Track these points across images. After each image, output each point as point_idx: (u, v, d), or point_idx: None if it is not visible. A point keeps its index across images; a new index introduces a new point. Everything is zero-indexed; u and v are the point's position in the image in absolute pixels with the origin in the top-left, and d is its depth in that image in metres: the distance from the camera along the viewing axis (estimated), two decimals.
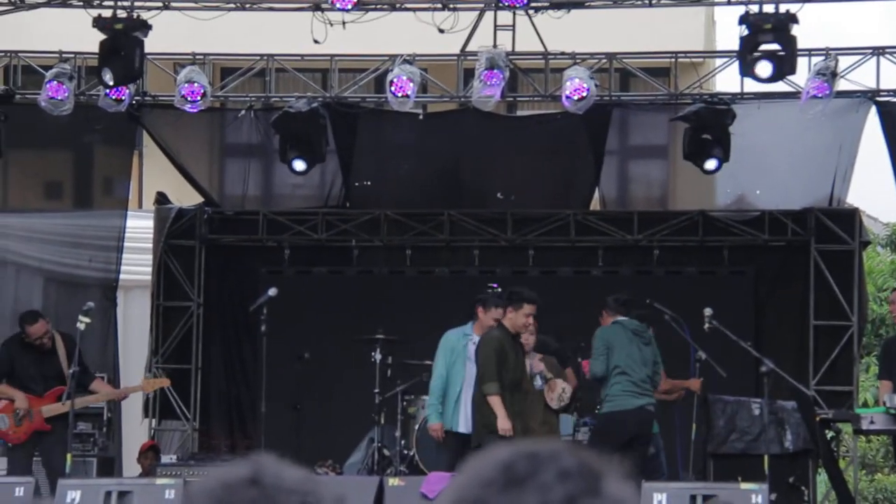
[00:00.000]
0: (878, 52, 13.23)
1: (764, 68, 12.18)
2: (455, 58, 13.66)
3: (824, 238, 14.12)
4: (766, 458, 11.27)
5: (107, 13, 12.65)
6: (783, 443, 12.05)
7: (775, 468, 11.43)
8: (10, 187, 15.34)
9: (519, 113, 16.66)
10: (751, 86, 13.13)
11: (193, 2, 13.03)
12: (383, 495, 10.63)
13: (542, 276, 14.46)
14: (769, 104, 13.70)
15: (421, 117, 14.13)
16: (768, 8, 12.26)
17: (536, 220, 14.60)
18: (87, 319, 11.45)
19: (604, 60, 13.62)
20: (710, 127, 13.16)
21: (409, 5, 12.94)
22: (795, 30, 12.21)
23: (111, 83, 12.63)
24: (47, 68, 13.29)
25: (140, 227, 15.04)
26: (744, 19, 12.29)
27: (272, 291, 12.11)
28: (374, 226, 14.73)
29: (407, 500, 10.54)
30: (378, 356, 12.41)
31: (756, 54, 12.22)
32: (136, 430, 14.43)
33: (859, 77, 13.27)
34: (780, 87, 12.88)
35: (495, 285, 12.33)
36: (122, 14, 12.63)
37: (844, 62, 13.04)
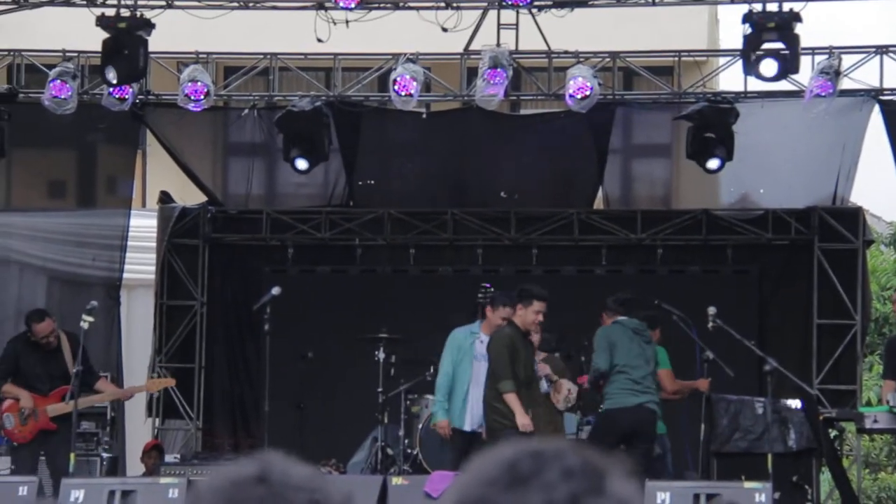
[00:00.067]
0: (882, 50, 13.22)
1: (769, 67, 12.18)
2: (458, 56, 13.65)
3: (828, 237, 14.11)
4: (769, 456, 11.26)
5: (110, 12, 12.66)
6: (787, 442, 12.05)
7: (779, 467, 11.42)
8: (14, 186, 15.35)
9: (522, 112, 16.65)
10: (754, 85, 13.13)
11: (197, 0, 13.03)
12: (387, 494, 10.63)
13: (545, 275, 14.45)
14: (772, 103, 13.69)
15: (424, 116, 14.13)
16: (772, 6, 12.25)
17: (540, 219, 14.60)
18: (90, 318, 11.45)
19: (607, 59, 13.62)
20: (713, 126, 13.16)
21: (412, 4, 12.94)
22: (798, 28, 12.21)
23: (114, 81, 12.63)
24: (51, 67, 13.30)
25: (143, 226, 15.05)
26: (747, 18, 12.28)
27: (276, 290, 12.11)
28: (377, 225, 14.73)
29: (410, 500, 10.55)
30: (381, 355, 12.41)
31: (759, 53, 12.21)
32: (139, 429, 14.44)
33: (863, 76, 13.27)
34: (783, 85, 12.87)
35: (488, 285, 12.34)
36: (125, 13, 12.63)
37: (848, 61, 13.03)
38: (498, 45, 13.18)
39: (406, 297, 14.44)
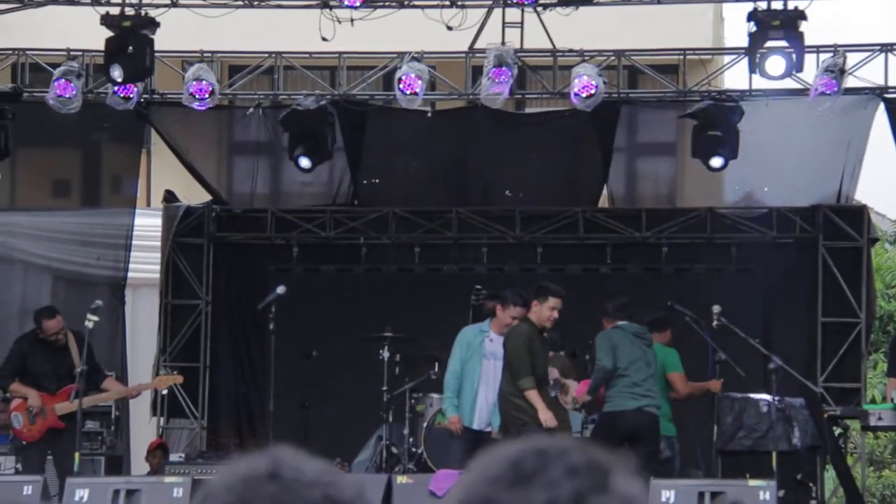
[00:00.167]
0: (887, 48, 13.21)
1: (775, 65, 12.17)
2: (463, 55, 13.66)
3: (832, 235, 14.10)
4: (774, 454, 11.27)
5: (115, 10, 12.66)
6: (791, 440, 12.04)
7: (783, 465, 11.42)
8: (19, 186, 15.36)
9: (527, 110, 16.65)
10: (759, 83, 13.12)
11: None
12: (392, 493, 10.63)
13: (550, 273, 14.43)
14: (777, 101, 13.68)
15: (429, 115, 14.14)
16: (776, 4, 12.24)
17: (545, 218, 14.60)
18: (95, 318, 11.46)
19: (612, 58, 13.61)
20: (718, 124, 13.15)
21: (417, 3, 12.94)
22: (803, 26, 12.19)
23: (119, 80, 12.63)
24: (55, 66, 13.30)
25: (148, 225, 15.05)
26: (752, 16, 12.27)
27: (280, 289, 12.11)
28: (382, 223, 14.73)
29: (415, 498, 10.55)
30: (386, 354, 12.40)
31: (764, 51, 12.21)
32: (144, 428, 14.45)
33: (867, 74, 13.25)
34: (788, 84, 12.86)
35: (480, 287, 12.34)
36: (129, 11, 12.64)
37: (852, 59, 13.02)
38: (503, 43, 13.17)
39: (411, 295, 14.43)
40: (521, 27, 13.52)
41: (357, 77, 14.10)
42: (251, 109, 14.30)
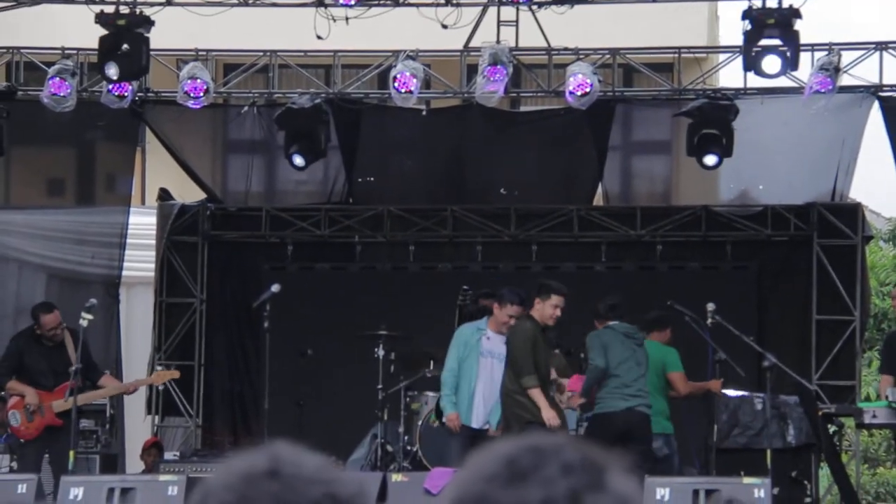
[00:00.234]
0: (881, 47, 13.22)
1: (772, 64, 12.17)
2: (458, 53, 13.65)
3: (827, 233, 14.11)
4: (768, 452, 11.27)
5: (109, 9, 12.65)
6: (786, 437, 12.06)
7: (778, 462, 11.42)
8: (13, 184, 15.34)
9: (522, 109, 16.64)
10: (754, 81, 13.13)
11: None
12: (387, 491, 10.63)
13: (545, 271, 14.44)
14: (772, 99, 13.69)
15: (424, 113, 14.13)
16: (771, 3, 12.25)
17: (539, 216, 14.60)
18: (89, 316, 11.45)
19: (607, 56, 13.61)
20: (713, 122, 13.16)
21: (412, 1, 12.93)
22: (798, 24, 12.20)
23: (115, 78, 12.62)
24: (50, 65, 13.29)
25: (143, 223, 15.04)
26: (747, 14, 12.28)
27: (275, 287, 12.11)
28: (377, 222, 14.73)
29: (410, 496, 10.54)
30: (381, 352, 12.40)
31: (759, 49, 12.21)
32: (139, 426, 14.44)
33: (862, 72, 13.27)
34: (783, 82, 12.87)
35: (466, 287, 12.33)
36: (124, 10, 12.63)
37: (847, 57, 13.03)
38: (498, 41, 13.17)
39: (405, 293, 14.43)
40: (517, 25, 13.52)
41: (352, 75, 14.09)
42: (246, 108, 14.29)
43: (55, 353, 11.68)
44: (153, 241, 14.78)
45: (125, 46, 12.51)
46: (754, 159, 14.05)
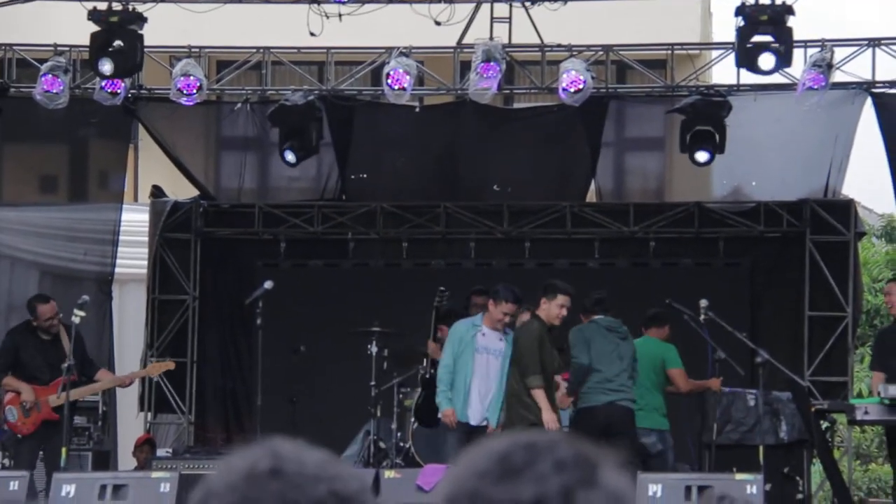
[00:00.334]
0: (874, 43, 13.23)
1: (766, 60, 12.18)
2: (451, 50, 13.65)
3: (819, 229, 14.12)
4: (761, 448, 11.28)
5: (102, 6, 12.63)
6: (778, 433, 12.07)
7: (770, 459, 11.44)
8: (6, 181, 15.32)
9: (515, 105, 16.64)
10: (747, 77, 13.13)
11: None
12: (379, 488, 10.63)
13: (538, 268, 14.46)
14: (765, 96, 13.69)
15: (417, 110, 14.12)
16: (764, 0, 12.25)
17: (533, 213, 14.60)
18: (82, 313, 11.43)
19: (600, 52, 13.61)
20: (706, 119, 13.16)
21: None
22: (792, 21, 12.21)
23: (108, 74, 12.60)
24: (42, 61, 13.27)
25: (135, 220, 15.02)
26: (740, 11, 12.28)
27: (268, 284, 12.09)
28: (370, 218, 14.73)
29: (403, 493, 10.55)
30: (374, 349, 12.39)
31: (751, 46, 12.22)
32: (131, 423, 14.43)
33: (855, 69, 13.27)
34: (776, 78, 12.88)
35: (443, 289, 12.34)
36: (117, 6, 12.61)
37: (840, 53, 13.03)
38: (491, 38, 13.17)
39: (398, 290, 14.42)
40: (510, 22, 13.52)
41: (345, 72, 14.08)
42: (239, 105, 14.28)
43: (51, 347, 11.67)
44: (146, 238, 14.76)
45: (118, 43, 12.49)
46: (747, 156, 14.05)
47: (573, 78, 12.80)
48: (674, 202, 14.64)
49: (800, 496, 12.35)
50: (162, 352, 14.51)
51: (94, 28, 12.55)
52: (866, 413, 11.74)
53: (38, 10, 14.64)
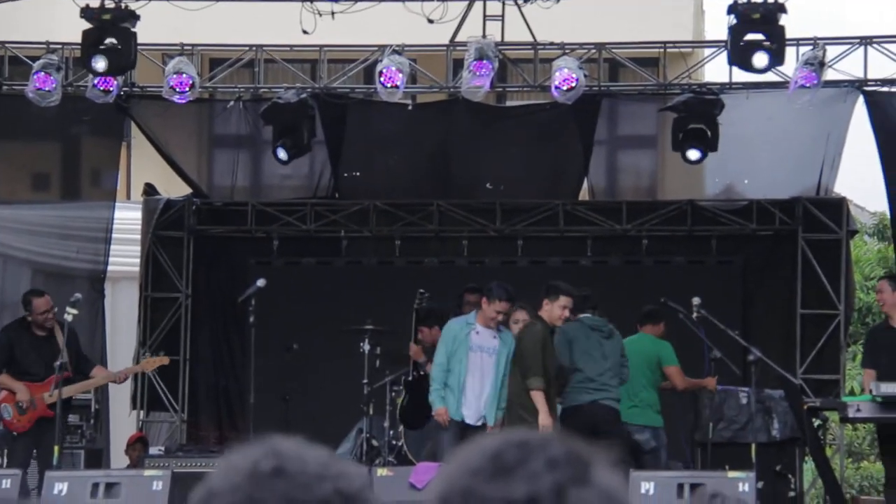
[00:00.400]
0: (866, 41, 13.24)
1: (759, 59, 12.19)
2: (444, 48, 13.65)
3: (812, 227, 14.14)
4: (753, 446, 11.30)
5: (95, 3, 12.62)
6: (770, 431, 12.09)
7: (762, 456, 11.46)
8: None
9: (508, 103, 16.65)
10: (739, 76, 13.15)
11: None
12: (372, 485, 10.62)
13: (531, 266, 14.47)
14: (757, 94, 13.70)
15: (410, 108, 14.11)
16: None
17: (525, 211, 14.60)
18: (74, 311, 11.42)
19: (593, 51, 13.62)
20: (698, 117, 13.17)
21: None
22: (784, 20, 12.22)
23: (101, 71, 12.59)
24: (34, 59, 13.25)
25: (128, 218, 15.01)
26: (732, 9, 12.29)
27: (261, 282, 12.09)
28: (362, 216, 14.72)
29: (395, 491, 10.55)
30: (367, 347, 12.40)
31: (744, 44, 12.23)
32: (124, 421, 14.42)
33: (847, 67, 13.29)
34: (768, 76, 12.88)
35: (423, 291, 12.35)
36: (110, 4, 12.59)
37: (832, 52, 13.05)
38: (484, 36, 13.17)
39: (391, 288, 14.41)
40: (502, 20, 13.52)
41: (338, 70, 14.08)
42: (231, 103, 14.26)
43: (45, 343, 11.66)
44: (138, 236, 14.75)
45: (110, 40, 12.48)
46: (739, 154, 14.07)
47: (566, 76, 12.80)
48: (666, 200, 14.65)
49: (792, 494, 12.37)
50: (155, 350, 14.48)
51: (86, 25, 12.52)
52: (858, 411, 11.75)
53: (30, 8, 14.63)
